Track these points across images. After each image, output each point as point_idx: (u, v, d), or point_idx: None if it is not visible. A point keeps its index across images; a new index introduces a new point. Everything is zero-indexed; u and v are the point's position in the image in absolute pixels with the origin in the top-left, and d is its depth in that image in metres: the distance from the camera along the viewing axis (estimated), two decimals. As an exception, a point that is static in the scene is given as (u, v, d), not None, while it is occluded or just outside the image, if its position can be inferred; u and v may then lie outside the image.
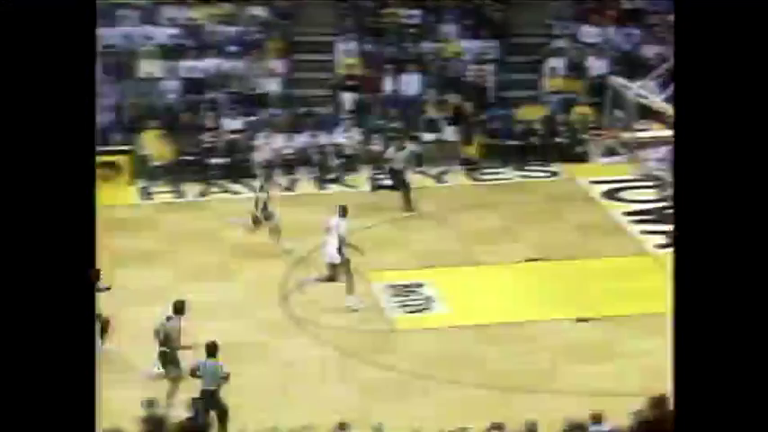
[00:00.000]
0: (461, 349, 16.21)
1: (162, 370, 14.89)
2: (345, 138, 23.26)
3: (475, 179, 22.80)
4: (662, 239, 19.55)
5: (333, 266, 17.18)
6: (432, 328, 16.80)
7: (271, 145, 22.91)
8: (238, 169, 22.50)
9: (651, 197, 21.38)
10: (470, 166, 23.25)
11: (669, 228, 20.03)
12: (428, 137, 23.40)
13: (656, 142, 22.70)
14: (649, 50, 25.15)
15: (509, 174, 22.97)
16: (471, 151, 23.32)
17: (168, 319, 14.91)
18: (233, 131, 23.10)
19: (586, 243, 19.46)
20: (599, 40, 25.54)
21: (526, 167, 23.14)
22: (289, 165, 22.86)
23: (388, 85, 24.52)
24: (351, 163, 23.00)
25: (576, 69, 24.99)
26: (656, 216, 20.63)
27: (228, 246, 19.41)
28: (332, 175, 22.68)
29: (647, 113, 22.39)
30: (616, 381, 15.24)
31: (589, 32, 25.63)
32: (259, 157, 22.76)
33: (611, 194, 21.55)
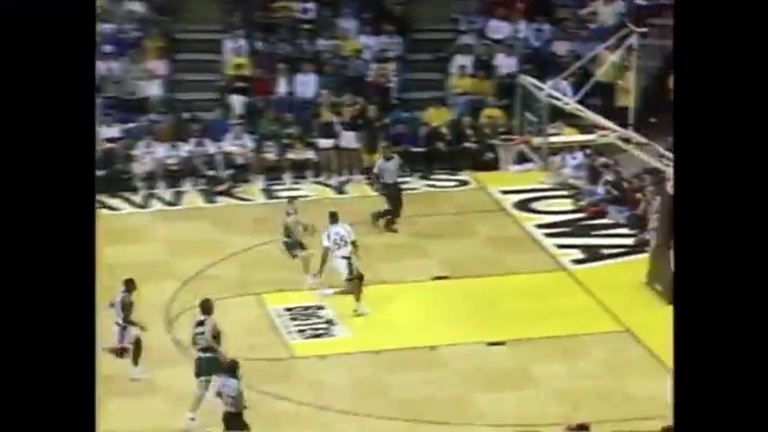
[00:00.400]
0: (365, 377, 16.35)
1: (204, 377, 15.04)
2: (235, 145, 23.25)
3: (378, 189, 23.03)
4: (579, 254, 19.99)
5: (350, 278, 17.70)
6: (333, 354, 16.89)
7: (152, 155, 22.79)
8: (116, 182, 22.32)
9: (567, 208, 21.79)
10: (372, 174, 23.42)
11: (586, 241, 20.50)
12: (325, 143, 23.51)
13: (571, 148, 23.13)
14: (561, 47, 25.64)
15: (414, 183, 23.12)
16: (373, 158, 23.44)
17: (200, 323, 15.19)
18: (109, 140, 22.88)
19: (498, 259, 19.75)
20: (508, 35, 25.97)
21: (432, 176, 23.43)
22: (173, 176, 22.77)
23: (281, 86, 24.57)
24: (242, 173, 23.01)
25: (484, 68, 25.33)
26: (573, 229, 21.03)
27: (107, 266, 19.25)
28: (221, 187, 22.66)
29: (560, 116, 22.76)
30: (533, 408, 15.51)
31: (497, 27, 26.02)
32: (139, 168, 22.63)
33: (523, 205, 21.88)
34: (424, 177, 23.44)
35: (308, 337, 17.40)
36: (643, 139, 19.09)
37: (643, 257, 19.04)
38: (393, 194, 20.75)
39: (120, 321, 15.98)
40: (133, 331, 16.03)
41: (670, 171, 18.32)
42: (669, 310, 17.40)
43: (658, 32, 24.94)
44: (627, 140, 19.34)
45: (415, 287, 18.76)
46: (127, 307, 16.05)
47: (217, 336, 15.26)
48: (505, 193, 22.42)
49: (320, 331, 17.57)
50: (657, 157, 19.21)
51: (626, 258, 19.80)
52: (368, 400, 15.70)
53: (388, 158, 20.98)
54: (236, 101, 24.20)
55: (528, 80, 23.51)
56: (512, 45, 25.70)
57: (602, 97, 24.31)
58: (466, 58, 25.44)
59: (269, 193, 22.73)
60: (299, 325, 17.69)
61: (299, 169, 23.31)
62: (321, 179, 23.32)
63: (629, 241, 20.41)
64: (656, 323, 17.26)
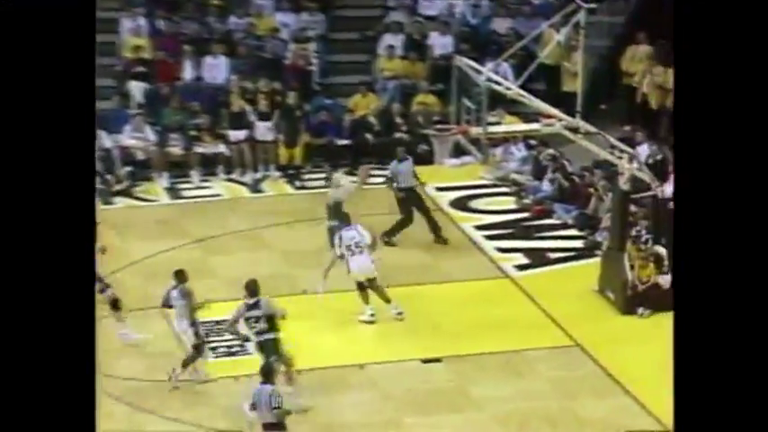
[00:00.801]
0: (285, 399, 16.24)
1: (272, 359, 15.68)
2: (135, 138, 23.05)
3: (298, 187, 22.93)
4: (523, 259, 20.07)
5: (370, 281, 17.85)
6: (249, 375, 16.74)
7: (41, 149, 22.53)
8: None
9: (509, 207, 21.93)
10: (292, 170, 23.33)
11: (530, 244, 20.56)
12: (237, 135, 23.36)
13: (513, 139, 23.19)
14: (501, 25, 25.75)
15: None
16: (294, 154, 23.39)
17: (250, 306, 15.82)
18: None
19: (433, 264, 19.78)
20: (442, 12, 26.01)
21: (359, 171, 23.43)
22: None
23: (187, 71, 24.42)
24: (143, 170, 22.82)
25: (416, 49, 25.38)
26: (516, 230, 21.12)
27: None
28: (119, 186, 22.47)
29: (501, 103, 22.78)
30: (472, 434, 15.56)
31: (430, 3, 26.06)
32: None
33: (460, 204, 21.98)
34: (350, 173, 23.40)
35: (220, 356, 17.28)
36: (592, 129, 19.16)
37: (594, 262, 19.14)
38: (412, 200, 20.60)
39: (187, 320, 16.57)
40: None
41: (622, 164, 18.42)
42: (623, 322, 17.84)
43: (607, 8, 25.10)
44: (574, 130, 19.39)
45: (340, 298, 18.66)
46: (190, 301, 16.51)
47: (272, 317, 15.87)
48: (441, 190, 22.45)
49: (234, 349, 17.44)
50: (608, 148, 19.29)
51: (575, 263, 19.91)
52: (289, 425, 15.53)
53: (401, 160, 20.85)
54: (136, 88, 24.01)
55: (465, 62, 23.50)
56: (446, 23, 25.79)
57: (546, 81, 24.43)
58: (395, 37, 25.49)
59: (174, 193, 22.57)
60: (210, 342, 17.55)
61: (209, 165, 23.18)
62: (234, 176, 23.20)
63: (579, 244, 20.54)
64: (610, 336, 17.43)
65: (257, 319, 15.96)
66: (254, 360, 17.11)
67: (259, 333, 15.98)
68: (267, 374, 14.61)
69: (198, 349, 16.57)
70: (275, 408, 14.29)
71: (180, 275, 16.66)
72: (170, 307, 16.73)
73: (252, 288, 16.07)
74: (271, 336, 15.93)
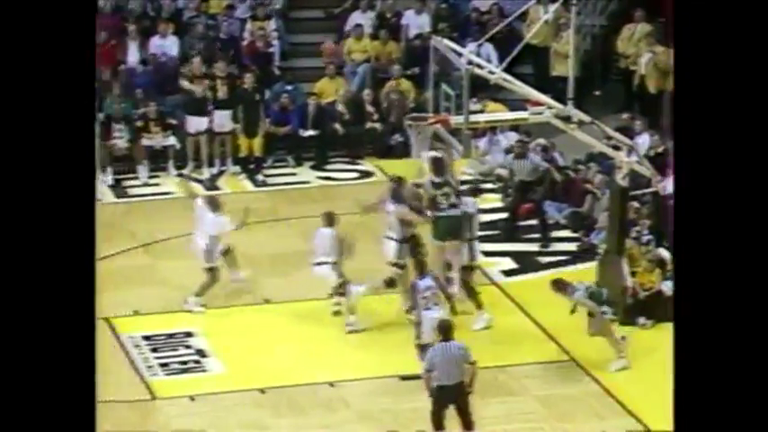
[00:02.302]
0: (246, 422, 16.34)
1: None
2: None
3: (258, 184, 23.03)
4: (510, 263, 20.28)
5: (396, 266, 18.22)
6: (205, 395, 16.86)
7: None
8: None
9: (493, 205, 22.01)
10: (252, 165, 23.38)
11: (518, 247, 20.67)
12: (194, 125, 23.33)
13: (499, 129, 23.32)
14: (483, 2, 25.89)
15: (305, 175, 23.32)
16: (254, 145, 23.42)
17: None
18: None
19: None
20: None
21: (327, 166, 23.50)
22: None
23: (132, 54, 24.40)
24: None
25: (389, 28, 25.45)
26: (501, 231, 21.23)
27: None
28: (58, 183, 22.47)
29: (483, 89, 22.91)
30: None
31: (404, -23, 26.21)
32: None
33: (440, 202, 22.15)
34: (316, 168, 23.50)
35: (173, 373, 17.37)
36: (586, 117, 19.28)
37: (590, 267, 19.24)
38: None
39: None
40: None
41: (620, 156, 18.54)
42: (622, 333, 17.90)
43: (600, -17, 25.35)
44: (566, 119, 19.49)
45: (309, 307, 18.77)
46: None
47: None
48: (419, 186, 22.45)
49: (189, 365, 17.55)
50: (604, 139, 19.42)
51: (568, 268, 20.01)
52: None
53: (519, 156, 21.37)
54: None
55: (443, 43, 23.61)
56: (423, -1, 25.90)
57: (534, 65, 24.57)
58: (365, 15, 25.54)
59: (119, 191, 22.57)
60: (161, 357, 17.66)
61: (158, 159, 23.18)
62: (186, 171, 23.22)
63: (572, 246, 20.74)
64: (608, 350, 17.52)
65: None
66: (212, 377, 17.25)
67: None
68: (447, 330, 15.04)
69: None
70: (472, 363, 14.81)
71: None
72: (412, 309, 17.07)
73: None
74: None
